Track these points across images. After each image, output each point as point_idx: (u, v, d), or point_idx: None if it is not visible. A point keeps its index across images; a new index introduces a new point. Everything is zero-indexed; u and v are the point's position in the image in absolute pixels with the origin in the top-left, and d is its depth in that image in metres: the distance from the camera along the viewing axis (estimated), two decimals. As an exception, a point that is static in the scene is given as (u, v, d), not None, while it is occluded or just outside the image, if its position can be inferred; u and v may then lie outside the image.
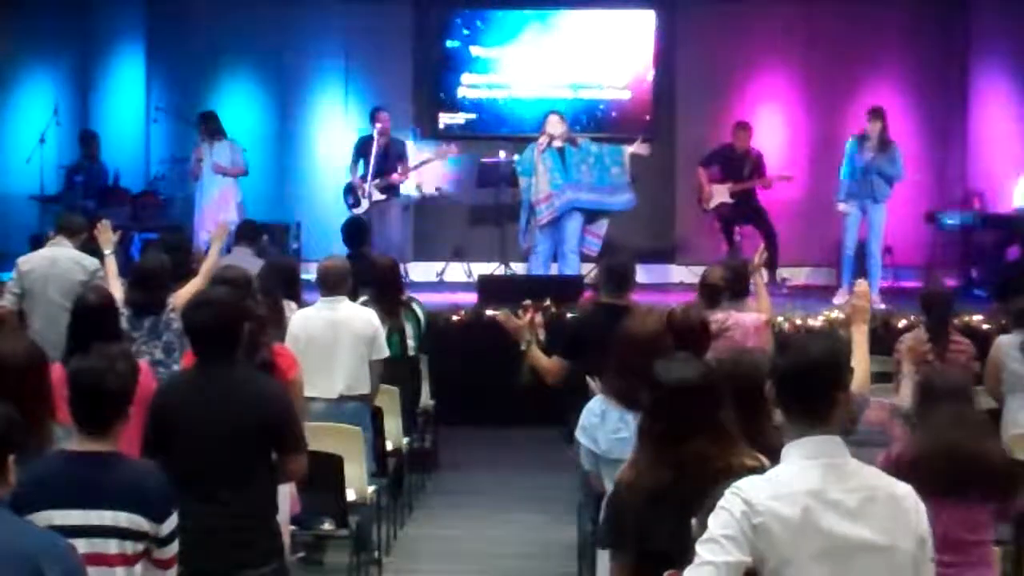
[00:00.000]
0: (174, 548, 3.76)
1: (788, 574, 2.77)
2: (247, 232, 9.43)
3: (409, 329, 7.85)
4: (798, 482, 2.80)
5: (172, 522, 3.73)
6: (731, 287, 7.02)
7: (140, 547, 3.66)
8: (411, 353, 7.92)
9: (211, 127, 12.09)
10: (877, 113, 11.29)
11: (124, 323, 6.41)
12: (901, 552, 2.83)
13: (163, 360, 6.49)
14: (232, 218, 11.20)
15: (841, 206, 11.35)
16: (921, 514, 2.88)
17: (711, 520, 2.81)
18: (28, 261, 7.78)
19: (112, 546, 3.63)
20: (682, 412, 3.58)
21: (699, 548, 2.79)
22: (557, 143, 11.36)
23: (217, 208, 11.62)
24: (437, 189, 13.42)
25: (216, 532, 4.39)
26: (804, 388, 2.89)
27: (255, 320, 5.26)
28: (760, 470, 3.14)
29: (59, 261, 7.67)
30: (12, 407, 3.21)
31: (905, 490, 2.90)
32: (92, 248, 7.83)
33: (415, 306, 8.14)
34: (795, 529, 2.76)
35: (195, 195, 12.20)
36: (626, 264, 6.70)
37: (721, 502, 2.82)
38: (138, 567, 3.67)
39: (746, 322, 6.78)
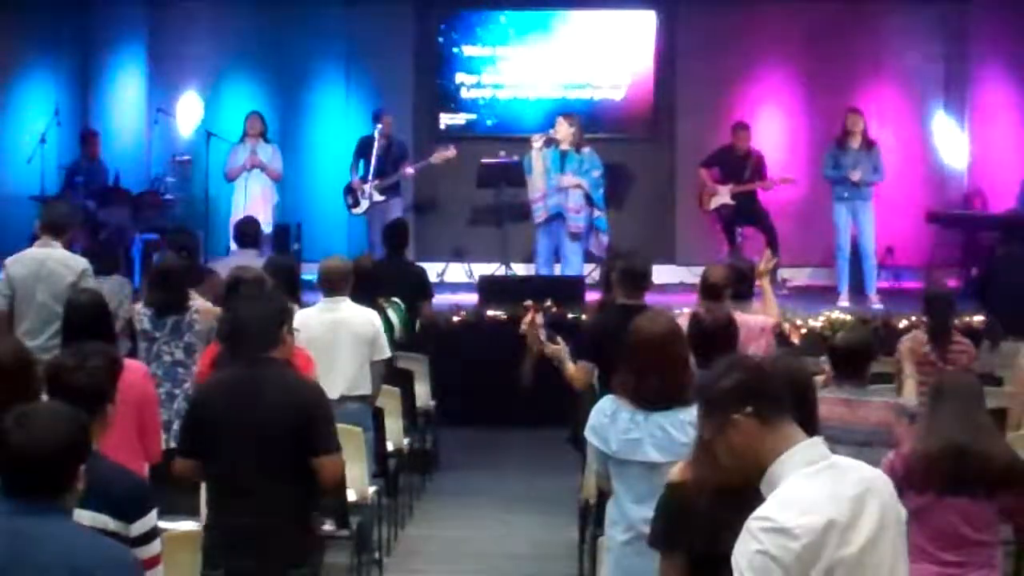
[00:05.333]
0: (152, 549, 3.70)
1: None
2: (248, 233, 9.32)
3: None
4: (814, 492, 2.78)
5: (147, 523, 3.69)
6: (734, 287, 6.96)
7: None
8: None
9: (259, 127, 12.03)
10: (858, 111, 11.36)
11: (146, 323, 6.42)
12: (898, 535, 2.87)
13: (184, 360, 6.45)
14: (268, 219, 11.42)
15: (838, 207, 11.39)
16: (896, 495, 2.94)
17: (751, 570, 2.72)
18: (15, 263, 7.62)
19: None
20: None
21: None
22: (564, 146, 11.27)
23: (255, 207, 11.53)
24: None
25: (260, 530, 4.41)
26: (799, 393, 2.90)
27: None
28: None
29: (47, 263, 7.48)
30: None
31: (883, 474, 2.96)
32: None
33: (389, 309, 7.89)
34: (828, 536, 2.75)
35: (234, 194, 12.05)
36: (643, 265, 6.69)
37: (757, 547, 2.71)
38: None
39: (751, 324, 6.70)
